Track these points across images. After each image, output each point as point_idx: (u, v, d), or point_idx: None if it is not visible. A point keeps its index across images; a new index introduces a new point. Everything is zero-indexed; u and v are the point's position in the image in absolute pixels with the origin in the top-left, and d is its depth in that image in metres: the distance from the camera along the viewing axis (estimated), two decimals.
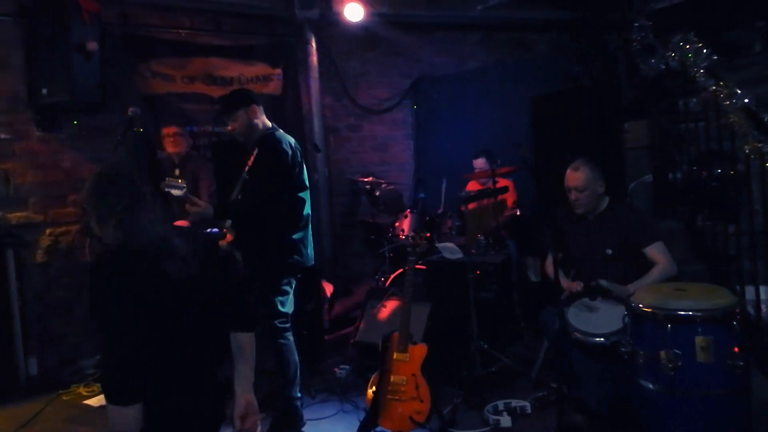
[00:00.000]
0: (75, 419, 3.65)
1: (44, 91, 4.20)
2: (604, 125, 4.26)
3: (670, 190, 3.94)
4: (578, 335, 2.88)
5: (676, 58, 3.35)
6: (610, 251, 3.11)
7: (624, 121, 4.20)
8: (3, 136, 4.36)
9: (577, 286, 3.11)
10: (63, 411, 3.76)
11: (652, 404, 2.49)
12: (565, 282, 3.21)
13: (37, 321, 4.38)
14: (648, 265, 3.07)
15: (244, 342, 2.05)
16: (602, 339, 2.81)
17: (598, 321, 2.91)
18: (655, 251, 3.06)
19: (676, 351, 2.36)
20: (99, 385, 4.10)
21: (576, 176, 3.16)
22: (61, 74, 4.12)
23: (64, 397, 3.95)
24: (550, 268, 3.35)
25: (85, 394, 4.01)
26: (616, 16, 4.82)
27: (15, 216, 4.39)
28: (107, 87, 4.41)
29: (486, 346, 3.81)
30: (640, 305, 2.53)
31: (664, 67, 3.58)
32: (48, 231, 4.53)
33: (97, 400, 3.89)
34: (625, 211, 3.23)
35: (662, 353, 2.38)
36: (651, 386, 2.47)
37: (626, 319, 2.63)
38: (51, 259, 4.51)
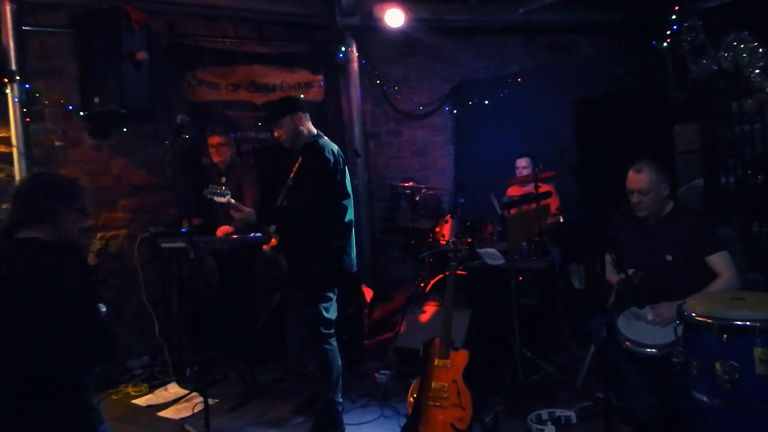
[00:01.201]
0: (122, 418, 3.75)
1: (96, 99, 4.36)
2: (652, 128, 4.14)
3: (722, 195, 3.80)
4: (629, 345, 2.79)
5: (730, 58, 3.23)
6: (670, 257, 2.97)
7: (673, 124, 4.07)
8: (58, 143, 4.55)
9: (619, 278, 3.00)
10: (112, 410, 3.86)
11: (707, 417, 2.39)
12: (612, 276, 3.10)
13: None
14: (709, 275, 2.91)
15: None
16: (654, 350, 2.72)
17: (649, 330, 2.81)
18: (720, 261, 2.90)
19: (733, 363, 2.26)
20: (147, 385, 4.22)
21: (639, 178, 3.02)
22: (112, 83, 4.26)
23: (113, 396, 4.07)
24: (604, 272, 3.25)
25: (133, 393, 4.12)
26: (663, 16, 4.70)
27: None
28: (155, 95, 4.54)
29: (528, 353, 3.74)
30: (694, 314, 2.44)
31: (716, 67, 3.46)
32: (99, 235, 4.69)
33: (145, 400, 4.00)
34: (690, 215, 3.06)
35: (718, 365, 2.28)
36: (705, 399, 2.37)
37: (678, 329, 2.54)
38: (101, 261, 4.66)
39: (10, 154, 4.31)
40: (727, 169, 3.73)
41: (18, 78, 4.25)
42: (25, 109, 4.31)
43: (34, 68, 4.41)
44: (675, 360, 2.46)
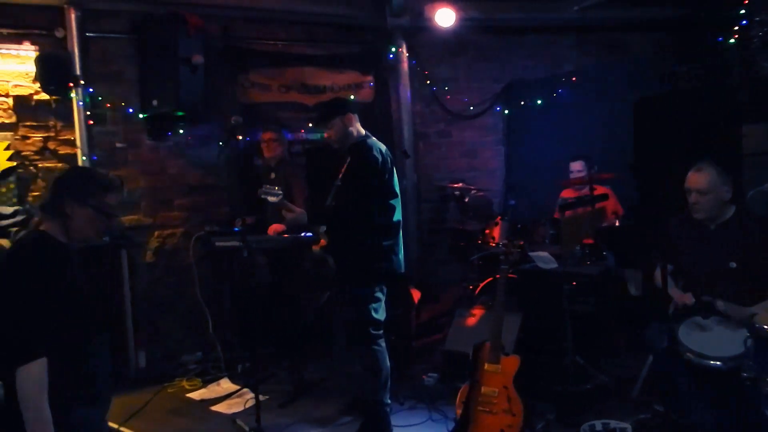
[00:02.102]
0: (177, 411, 3.87)
1: (154, 102, 4.51)
2: (718, 129, 3.94)
3: None
4: (691, 356, 2.66)
5: None
6: (734, 264, 2.82)
7: (741, 124, 3.87)
8: (118, 144, 4.72)
9: (689, 299, 2.89)
10: (167, 403, 3.99)
11: None
12: (675, 292, 2.98)
13: (146, 317, 4.69)
14: None
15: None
16: (719, 363, 2.59)
17: (713, 342, 2.68)
18: None
19: None
20: (200, 380, 4.33)
21: (698, 177, 2.91)
22: (169, 86, 4.40)
23: (169, 390, 4.20)
24: (658, 279, 3.13)
25: (187, 387, 4.23)
26: (729, 11, 4.48)
27: (128, 219, 4.74)
28: (210, 97, 4.66)
29: (581, 361, 3.64)
30: (766, 327, 2.31)
31: None
32: (156, 233, 4.84)
33: (199, 394, 4.11)
34: (755, 221, 2.92)
35: None
36: None
37: (749, 342, 2.40)
38: (158, 259, 4.83)
39: (74, 155, 4.51)
40: None
41: (82, 82, 4.43)
42: (88, 112, 4.49)
43: (97, 73, 4.58)
44: (745, 375, 2.33)
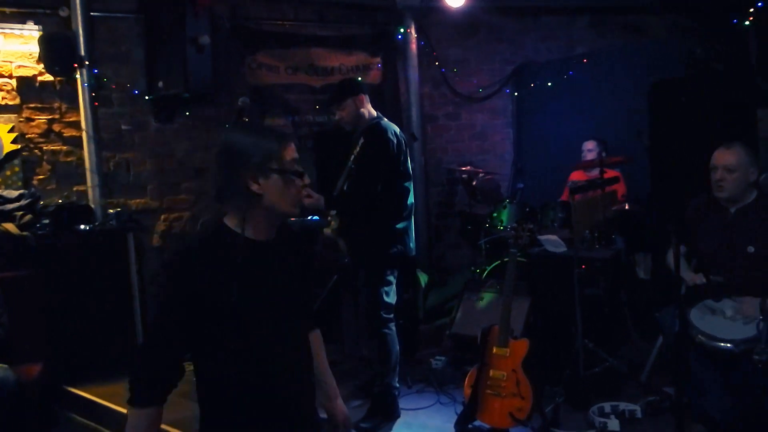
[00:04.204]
0: (187, 394, 3.80)
1: (161, 83, 4.46)
2: (735, 113, 3.87)
3: None
4: (702, 338, 2.64)
5: None
6: (752, 249, 2.78)
7: (756, 108, 3.80)
8: (124, 127, 4.69)
9: (699, 279, 2.86)
10: (182, 385, 3.98)
11: None
12: (687, 274, 2.95)
13: (154, 300, 4.70)
14: None
15: (317, 342, 1.86)
16: (730, 345, 2.57)
17: (726, 325, 2.65)
18: None
19: None
20: None
21: (727, 154, 2.85)
22: (176, 67, 4.35)
23: None
24: (669, 261, 3.09)
25: None
26: None
27: (135, 202, 4.72)
28: (217, 79, 4.60)
29: (591, 345, 3.62)
30: None
31: None
32: (163, 216, 4.83)
33: None
34: None
35: None
36: None
37: (761, 325, 2.37)
38: (165, 243, 4.81)
39: (80, 137, 4.48)
40: None
41: (87, 63, 4.38)
42: (93, 94, 4.45)
43: (102, 53, 4.53)
44: (757, 358, 2.31)
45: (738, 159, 2.83)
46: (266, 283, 1.61)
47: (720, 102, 3.92)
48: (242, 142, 1.57)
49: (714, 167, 2.89)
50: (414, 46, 5.53)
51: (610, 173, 4.35)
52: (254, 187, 1.55)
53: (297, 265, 1.72)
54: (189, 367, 1.58)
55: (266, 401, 1.60)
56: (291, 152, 1.60)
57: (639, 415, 3.16)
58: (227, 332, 1.54)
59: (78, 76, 4.38)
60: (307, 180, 1.64)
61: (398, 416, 3.34)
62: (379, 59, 5.51)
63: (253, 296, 1.56)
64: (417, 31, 5.52)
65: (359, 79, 5.24)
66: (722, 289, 2.76)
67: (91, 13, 4.44)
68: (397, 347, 3.24)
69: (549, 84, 5.53)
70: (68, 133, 4.49)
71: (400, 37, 5.49)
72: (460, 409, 3.24)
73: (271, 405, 1.61)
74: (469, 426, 3.11)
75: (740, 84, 4.08)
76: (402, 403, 3.41)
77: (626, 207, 4.54)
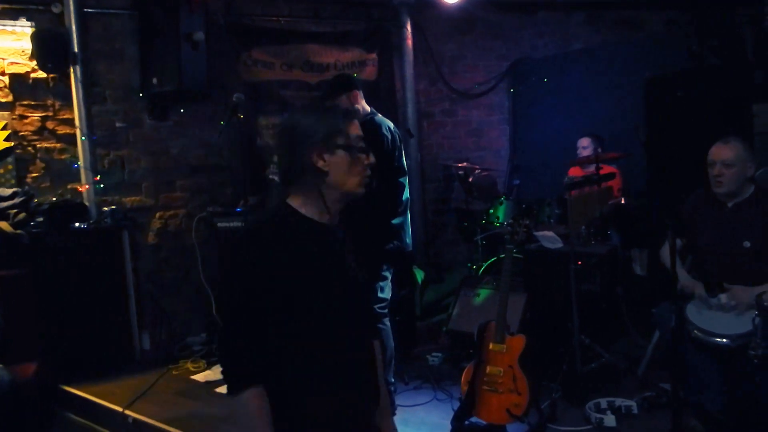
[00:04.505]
0: (183, 393, 3.86)
1: (155, 80, 4.43)
2: (731, 108, 3.87)
3: None
4: (698, 334, 2.65)
5: None
6: (748, 244, 2.78)
7: (752, 103, 3.80)
8: (119, 124, 4.66)
9: (697, 288, 2.87)
10: (173, 384, 3.98)
11: None
12: (682, 274, 2.95)
13: (150, 299, 4.68)
14: None
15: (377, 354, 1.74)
16: (726, 340, 2.58)
17: (722, 320, 2.66)
18: None
19: None
20: (205, 361, 4.32)
21: (725, 149, 2.85)
22: (170, 64, 4.32)
23: (173, 372, 4.18)
24: (664, 257, 3.09)
25: (192, 369, 4.22)
26: None
27: (130, 200, 4.70)
28: (212, 75, 4.58)
29: (588, 341, 3.62)
30: None
31: None
32: (158, 214, 4.80)
33: (203, 376, 4.10)
34: None
35: None
36: None
37: (757, 320, 2.38)
38: (161, 240, 4.79)
39: (74, 135, 4.45)
40: None
41: (80, 60, 4.35)
42: (87, 91, 4.42)
43: (96, 50, 4.50)
44: (752, 353, 2.31)
45: (736, 154, 2.82)
46: (331, 267, 1.57)
47: (716, 97, 3.92)
48: (306, 120, 1.55)
49: (712, 162, 2.89)
50: (410, 42, 5.51)
51: (607, 169, 4.35)
52: (320, 164, 1.52)
53: (357, 255, 1.67)
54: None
55: (334, 395, 1.55)
56: (356, 128, 1.58)
57: (635, 410, 3.16)
58: (296, 317, 1.49)
59: (72, 73, 4.35)
60: (372, 158, 1.60)
61: (394, 413, 3.33)
62: (374, 55, 5.49)
63: (320, 280, 1.52)
64: (413, 27, 5.50)
65: (354, 75, 5.23)
66: (719, 288, 2.76)
67: (85, 10, 4.41)
68: (392, 343, 3.23)
69: (545, 80, 5.52)
70: (62, 130, 4.47)
71: (395, 33, 5.44)
72: (457, 405, 3.23)
73: (338, 397, 1.56)
74: (466, 422, 3.11)
75: (736, 79, 4.08)
76: (399, 400, 3.40)
77: (622, 201, 4.54)
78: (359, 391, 1.61)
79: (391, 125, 3.22)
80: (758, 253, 2.78)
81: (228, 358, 1.50)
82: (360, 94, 3.24)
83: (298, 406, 1.52)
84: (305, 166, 1.52)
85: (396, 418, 3.26)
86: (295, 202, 1.56)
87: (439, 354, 4.11)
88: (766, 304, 2.32)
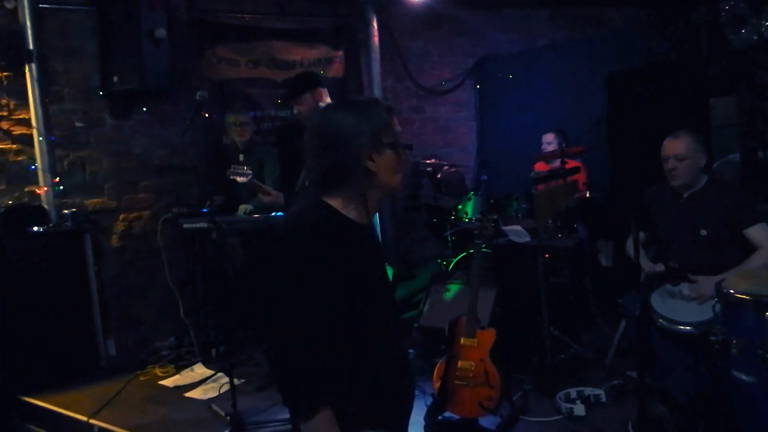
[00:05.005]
0: (152, 399, 3.78)
1: (115, 78, 4.33)
2: (688, 102, 3.98)
3: (760, 171, 3.65)
4: (663, 322, 2.72)
5: None
6: (704, 232, 2.88)
7: (709, 97, 3.91)
8: (78, 124, 4.52)
9: (659, 267, 2.94)
10: (141, 391, 3.89)
11: (747, 396, 2.32)
12: (646, 263, 3.03)
13: (115, 303, 4.56)
14: (745, 250, 2.83)
15: None
16: (689, 328, 2.65)
17: (685, 308, 2.74)
18: (759, 234, 2.80)
19: None
20: (173, 366, 4.23)
21: (676, 144, 2.93)
22: (131, 62, 4.23)
23: (141, 378, 4.08)
24: (629, 249, 3.17)
25: (160, 374, 4.13)
26: None
27: (92, 202, 4.57)
28: (175, 73, 4.49)
29: (557, 332, 3.68)
30: (733, 292, 2.35)
31: (756, 38, 3.28)
32: (122, 216, 4.68)
33: (172, 381, 4.02)
34: (725, 188, 2.98)
35: (759, 343, 2.20)
36: (745, 378, 2.30)
37: (717, 307, 2.45)
38: (125, 243, 4.68)
39: (31, 135, 4.31)
40: (765, 143, 3.58)
41: (36, 58, 4.21)
42: (44, 90, 4.28)
43: (53, 47, 4.36)
44: (713, 338, 2.38)
45: (687, 147, 2.91)
46: (374, 269, 1.52)
47: (675, 92, 4.03)
48: (349, 119, 1.46)
49: (665, 157, 2.98)
50: (376, 40, 5.51)
51: (572, 163, 4.42)
52: (370, 165, 1.45)
53: (382, 255, 1.61)
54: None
55: (384, 398, 1.51)
56: (397, 123, 1.52)
57: (603, 399, 3.22)
58: (351, 323, 1.43)
59: (27, 71, 4.21)
60: (408, 154, 1.55)
61: None
62: (341, 52, 5.47)
63: (368, 283, 1.48)
64: (379, 24, 5.49)
65: (321, 72, 5.20)
66: (680, 274, 2.84)
67: (40, 5, 4.27)
68: None
69: (510, 76, 5.59)
70: (18, 131, 4.31)
71: (362, 30, 5.43)
72: (430, 401, 3.24)
73: (387, 400, 1.51)
74: (439, 417, 3.12)
75: (693, 74, 4.19)
76: None
77: (587, 194, 4.62)
78: (405, 392, 1.58)
79: None
80: (715, 241, 2.87)
81: (295, 376, 1.38)
82: (325, 92, 3.22)
83: (350, 415, 1.45)
84: (353, 167, 1.45)
85: None
86: (335, 203, 1.48)
87: (412, 350, 4.11)
88: (724, 291, 2.39)
